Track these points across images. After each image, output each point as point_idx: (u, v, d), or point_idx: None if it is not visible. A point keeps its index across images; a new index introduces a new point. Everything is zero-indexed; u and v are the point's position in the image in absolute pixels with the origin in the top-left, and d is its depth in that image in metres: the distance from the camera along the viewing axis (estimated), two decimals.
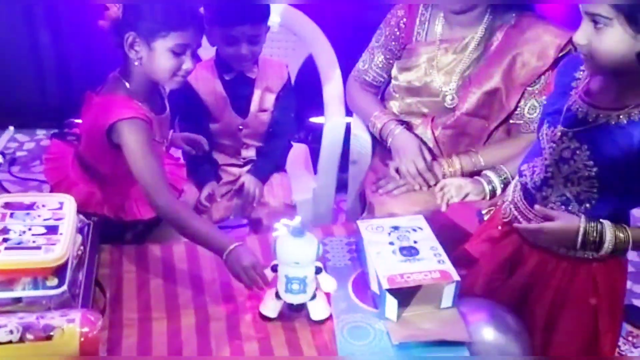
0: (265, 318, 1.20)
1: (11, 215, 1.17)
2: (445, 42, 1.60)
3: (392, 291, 1.13)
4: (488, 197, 1.48)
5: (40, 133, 2.73)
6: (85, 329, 0.99)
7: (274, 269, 1.19)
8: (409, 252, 1.22)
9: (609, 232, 1.15)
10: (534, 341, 1.22)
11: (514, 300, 1.28)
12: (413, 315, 1.16)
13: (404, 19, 1.66)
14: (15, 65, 2.58)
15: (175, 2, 1.27)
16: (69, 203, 1.22)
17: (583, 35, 1.08)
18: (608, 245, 1.16)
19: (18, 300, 1.07)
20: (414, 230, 1.29)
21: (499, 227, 1.34)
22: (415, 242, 1.25)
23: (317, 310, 1.19)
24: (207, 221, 1.33)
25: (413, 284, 1.14)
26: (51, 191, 1.51)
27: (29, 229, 1.14)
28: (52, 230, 1.14)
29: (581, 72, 1.21)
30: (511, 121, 1.60)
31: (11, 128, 2.74)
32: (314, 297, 1.19)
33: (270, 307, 1.20)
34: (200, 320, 1.21)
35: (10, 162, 2.53)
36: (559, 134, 1.18)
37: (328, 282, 1.20)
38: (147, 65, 1.31)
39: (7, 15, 2.50)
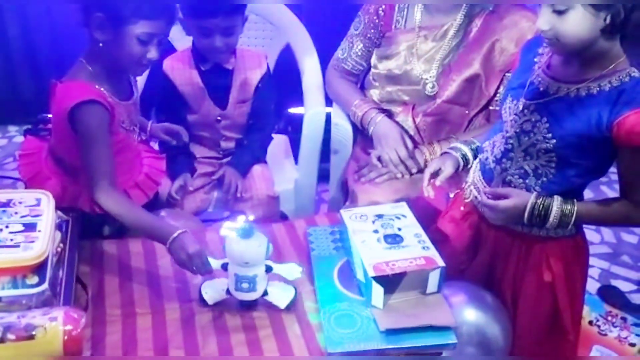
0: (203, 301, 1.19)
1: None
2: (424, 29, 1.60)
3: (378, 279, 1.14)
4: (462, 165, 1.44)
5: (13, 130, 2.67)
6: (69, 327, 0.97)
7: (224, 267, 1.18)
8: (394, 239, 1.23)
9: (555, 206, 1.18)
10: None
11: (482, 280, 1.31)
12: (399, 301, 1.17)
13: (383, 7, 1.65)
14: None
15: None
16: (47, 199, 1.20)
17: (546, 21, 1.09)
18: (553, 219, 1.18)
19: None
20: (398, 217, 1.29)
21: (462, 208, 1.37)
22: (399, 229, 1.26)
23: (279, 299, 1.19)
24: (149, 212, 1.31)
25: (399, 271, 1.15)
26: (25, 187, 1.49)
27: (6, 227, 1.11)
28: (30, 227, 1.12)
29: (544, 48, 1.23)
30: (491, 107, 1.62)
31: None
32: (265, 293, 1.19)
33: (213, 296, 1.20)
34: (185, 314, 1.20)
35: None
36: (521, 106, 1.20)
37: (289, 270, 1.19)
38: (112, 48, 1.28)
39: None
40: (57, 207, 1.28)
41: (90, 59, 1.32)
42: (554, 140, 1.16)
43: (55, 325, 0.97)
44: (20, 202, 1.18)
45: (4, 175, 2.39)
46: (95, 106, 1.28)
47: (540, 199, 1.19)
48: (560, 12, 1.06)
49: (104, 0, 1.24)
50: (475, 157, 1.39)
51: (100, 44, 1.28)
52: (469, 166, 1.41)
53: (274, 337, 1.15)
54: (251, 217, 1.17)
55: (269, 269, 1.18)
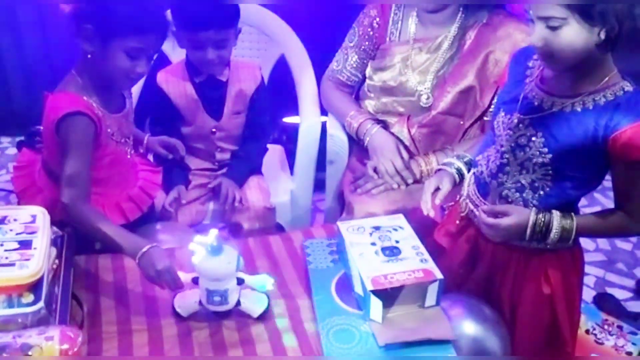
0: (177, 315, 1.19)
1: None
2: (418, 41, 1.61)
3: (376, 292, 1.13)
4: (458, 180, 1.45)
5: (5, 141, 2.65)
6: (65, 346, 0.96)
7: (195, 281, 1.17)
8: (391, 252, 1.22)
9: (556, 221, 1.18)
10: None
11: (479, 293, 1.31)
12: (398, 315, 1.17)
13: (377, 19, 1.66)
14: None
15: (138, 6, 1.24)
16: (42, 215, 1.19)
17: (539, 37, 1.09)
18: (554, 234, 1.19)
19: None
20: (395, 229, 1.29)
21: (457, 222, 1.36)
22: (397, 241, 1.25)
23: (252, 309, 1.19)
24: (118, 226, 1.28)
25: (397, 285, 1.14)
26: (18, 200, 1.47)
27: (1, 245, 1.10)
28: (25, 245, 1.11)
29: (534, 61, 1.23)
30: (485, 118, 1.62)
31: None
32: (238, 303, 1.18)
33: (186, 309, 1.19)
34: (182, 330, 1.19)
35: None
36: (516, 121, 1.20)
37: (262, 282, 1.19)
38: (100, 61, 1.28)
39: None
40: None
41: (81, 70, 1.32)
42: (550, 155, 1.16)
43: (51, 344, 0.96)
44: (15, 219, 1.17)
45: None
46: (81, 117, 1.27)
47: (541, 215, 1.19)
48: (554, 28, 1.07)
49: (93, 12, 1.24)
50: (469, 170, 1.39)
51: (89, 56, 1.28)
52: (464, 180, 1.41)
53: (272, 353, 1.14)
54: (245, 226, 1.16)
55: (240, 282, 1.17)
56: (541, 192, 1.20)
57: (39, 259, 1.08)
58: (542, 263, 1.26)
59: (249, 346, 1.15)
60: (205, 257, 1.14)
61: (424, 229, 1.40)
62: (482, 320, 1.20)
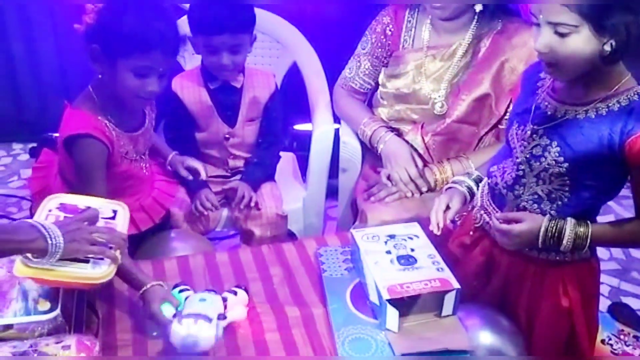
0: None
1: (64, 219, 1.07)
2: (432, 48, 1.60)
3: (392, 302, 1.12)
4: (468, 198, 1.45)
5: (17, 147, 2.66)
6: (82, 354, 0.96)
7: (178, 315, 1.09)
8: (407, 260, 1.22)
9: (569, 228, 1.17)
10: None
11: (494, 306, 1.29)
12: (414, 324, 1.16)
13: (390, 26, 1.65)
14: None
15: (142, 23, 1.23)
16: (123, 212, 1.14)
17: (545, 43, 1.07)
18: (567, 241, 1.17)
19: (9, 327, 1.03)
20: (410, 238, 1.29)
21: (471, 233, 1.34)
22: (412, 250, 1.25)
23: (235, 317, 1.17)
24: (129, 258, 1.24)
25: (413, 294, 1.14)
26: (32, 201, 1.47)
27: None
28: (103, 243, 1.03)
29: (545, 72, 1.21)
30: (500, 126, 1.61)
31: None
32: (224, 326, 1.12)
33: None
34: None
35: None
36: (529, 132, 1.19)
37: (237, 313, 1.17)
38: (110, 80, 1.28)
39: None
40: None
41: (96, 88, 1.32)
42: (567, 164, 1.14)
43: (68, 353, 0.96)
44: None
45: (8, 194, 2.38)
46: (91, 140, 1.27)
47: (553, 221, 1.18)
48: (562, 35, 1.05)
49: (98, 32, 1.23)
50: (478, 187, 1.37)
51: (100, 76, 1.28)
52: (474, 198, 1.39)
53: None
54: (258, 233, 1.15)
55: (222, 317, 1.11)
56: (559, 203, 1.19)
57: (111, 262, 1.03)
58: (559, 275, 1.24)
59: (264, 351, 1.14)
60: (180, 327, 1.04)
61: (438, 238, 1.39)
62: (499, 331, 1.19)
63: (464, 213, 1.43)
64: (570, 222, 1.17)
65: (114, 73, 1.25)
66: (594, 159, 1.12)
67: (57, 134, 1.40)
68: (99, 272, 1.01)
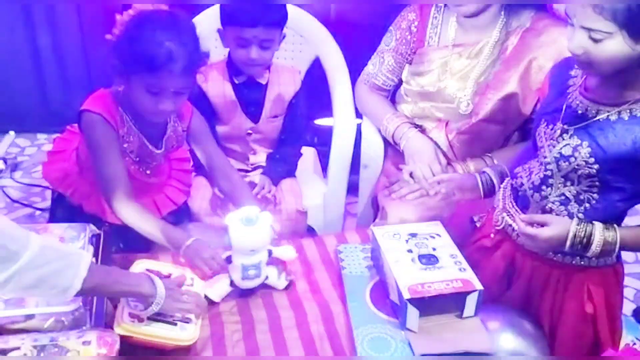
0: (210, 301, 1.23)
1: None
2: (458, 46, 1.57)
3: (413, 301, 1.11)
4: (482, 193, 1.43)
5: (42, 137, 2.69)
6: (103, 350, 0.97)
7: (228, 260, 1.23)
8: (428, 260, 1.20)
9: (598, 233, 1.14)
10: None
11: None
12: (435, 325, 1.14)
13: (415, 23, 1.63)
14: (16, 69, 2.55)
15: (153, 42, 1.22)
16: (199, 280, 1.24)
17: (579, 45, 1.06)
18: (595, 246, 1.14)
19: (30, 317, 1.04)
20: (432, 237, 1.27)
21: (492, 236, 1.32)
22: (434, 249, 1.23)
23: (277, 282, 1.28)
24: (163, 221, 1.34)
25: (434, 294, 1.12)
26: (54, 187, 1.50)
27: None
28: None
29: (576, 70, 1.20)
30: (528, 125, 1.58)
31: (12, 133, 2.71)
32: (265, 277, 1.25)
33: (218, 292, 1.25)
34: (216, 329, 1.18)
35: (12, 168, 2.50)
36: (559, 131, 1.16)
37: (286, 253, 1.28)
38: (128, 95, 1.30)
39: (7, 18, 2.46)
40: (83, 213, 1.38)
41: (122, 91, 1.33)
42: (597, 165, 1.12)
43: (88, 349, 0.97)
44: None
45: (32, 184, 2.42)
46: (95, 116, 1.30)
47: (582, 226, 1.15)
48: (596, 40, 1.03)
49: (116, 48, 1.25)
50: (498, 180, 1.35)
51: (119, 88, 1.31)
52: (495, 190, 1.37)
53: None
54: (277, 228, 1.23)
55: (270, 253, 1.25)
56: (587, 205, 1.16)
57: (197, 324, 1.14)
58: (584, 280, 1.22)
59: (282, 347, 1.14)
60: (240, 228, 1.20)
61: (459, 238, 1.36)
62: (523, 334, 1.17)
63: (483, 215, 1.41)
64: (598, 226, 1.14)
65: (130, 88, 1.28)
66: (626, 161, 1.10)
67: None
68: (185, 334, 1.11)
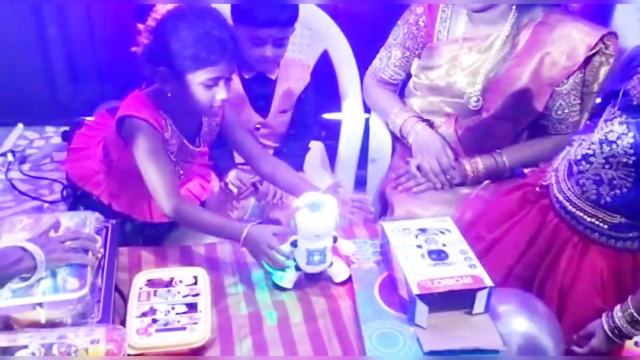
0: (281, 288, 1.25)
1: (154, 293, 1.19)
2: (468, 40, 1.56)
3: (422, 297, 1.10)
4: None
5: (50, 130, 2.69)
6: (111, 346, 0.96)
7: (294, 244, 1.23)
8: (438, 255, 1.19)
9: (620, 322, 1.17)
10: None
11: (537, 265, 1.30)
12: (444, 321, 1.14)
13: (423, 17, 1.61)
14: (24, 62, 2.55)
15: (203, 37, 1.21)
16: (203, 277, 1.23)
17: None
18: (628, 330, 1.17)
19: (39, 305, 1.04)
20: (442, 232, 1.26)
21: (537, 189, 1.33)
22: (444, 245, 1.22)
23: (338, 273, 1.27)
24: (215, 214, 1.35)
25: (444, 290, 1.11)
26: (71, 184, 1.50)
27: (172, 308, 1.15)
28: (192, 308, 1.15)
29: None
30: (542, 122, 1.56)
31: (20, 125, 2.71)
32: (330, 264, 1.25)
33: (288, 278, 1.25)
34: (223, 322, 1.18)
35: (21, 161, 2.50)
36: (612, 115, 1.17)
37: (347, 246, 1.27)
38: (180, 97, 1.28)
39: (16, 11, 2.46)
40: (110, 210, 1.37)
41: (164, 94, 1.31)
42: (634, 157, 1.12)
43: (97, 347, 0.97)
44: (180, 281, 1.22)
45: (40, 176, 2.42)
46: (142, 123, 1.28)
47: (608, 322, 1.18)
48: None
49: (163, 54, 1.23)
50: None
51: (169, 94, 1.28)
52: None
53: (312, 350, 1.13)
54: (285, 223, 1.21)
55: (335, 239, 1.24)
56: (617, 191, 1.17)
57: (206, 323, 1.12)
58: (598, 256, 1.23)
59: (290, 345, 1.14)
60: (306, 213, 1.20)
61: (465, 233, 1.35)
62: (534, 316, 1.15)
63: (536, 168, 1.45)
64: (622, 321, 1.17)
65: (183, 91, 1.26)
66: None
67: (89, 118, 1.41)
68: (196, 336, 1.10)
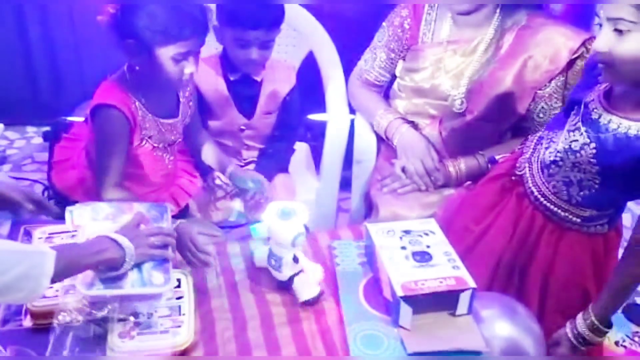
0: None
1: None
2: (453, 43, 1.56)
3: (406, 299, 1.11)
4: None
5: (31, 130, 2.66)
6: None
7: (268, 239, 1.24)
8: (422, 257, 1.20)
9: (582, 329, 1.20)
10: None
11: (514, 260, 1.32)
12: (428, 322, 1.14)
13: (408, 20, 1.62)
14: (5, 61, 2.52)
15: (174, 11, 1.22)
16: (186, 279, 1.22)
17: (604, 42, 1.06)
18: (587, 332, 1.20)
19: (127, 297, 1.08)
20: (426, 234, 1.27)
21: (513, 178, 1.35)
22: (428, 246, 1.23)
23: (301, 292, 1.22)
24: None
25: (428, 291, 1.12)
26: (48, 170, 1.51)
27: (155, 311, 1.13)
28: (175, 311, 1.14)
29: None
30: (521, 123, 1.58)
31: (1, 125, 2.66)
32: (291, 281, 1.22)
33: (261, 259, 1.27)
34: (207, 324, 1.17)
35: (1, 161, 2.47)
36: (574, 124, 1.19)
37: (314, 271, 1.23)
38: (148, 70, 1.28)
39: None
40: (67, 198, 1.38)
41: (132, 70, 1.31)
42: (598, 167, 1.15)
43: None
44: None
45: (22, 177, 2.39)
46: (113, 111, 1.28)
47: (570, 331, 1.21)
48: (620, 32, 1.03)
49: (132, 27, 1.23)
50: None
51: (137, 67, 1.27)
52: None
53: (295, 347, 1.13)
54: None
55: (295, 259, 1.21)
56: (586, 192, 1.20)
57: (190, 325, 1.12)
58: (574, 241, 1.27)
59: (274, 348, 1.14)
60: (274, 217, 1.20)
61: (451, 234, 1.36)
62: (517, 321, 1.16)
63: (507, 155, 1.45)
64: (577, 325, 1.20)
65: (152, 63, 1.26)
66: (628, 172, 1.12)
67: (71, 118, 1.41)
68: (179, 339, 1.09)
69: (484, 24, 1.53)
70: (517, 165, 1.36)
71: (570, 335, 1.21)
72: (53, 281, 0.97)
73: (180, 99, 1.42)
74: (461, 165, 1.60)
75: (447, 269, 1.16)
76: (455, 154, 1.63)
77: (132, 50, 1.25)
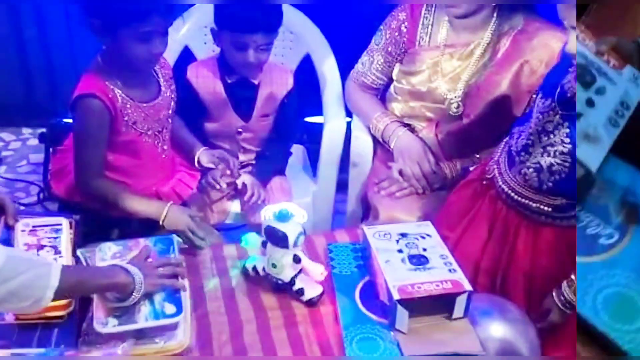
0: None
1: None
2: (450, 47, 1.57)
3: (403, 302, 1.11)
4: None
5: (27, 132, 2.65)
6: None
7: (264, 244, 1.24)
8: (419, 260, 1.20)
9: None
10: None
11: (494, 264, 1.33)
12: (424, 326, 1.14)
13: (406, 23, 1.62)
14: (0, 62, 2.51)
15: None
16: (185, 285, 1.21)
17: (574, 46, 1.08)
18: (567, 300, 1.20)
19: (140, 332, 1.08)
20: (423, 237, 1.27)
21: (484, 182, 1.37)
22: (424, 249, 1.23)
23: (304, 291, 1.22)
24: (134, 195, 1.37)
25: (424, 295, 1.12)
26: (49, 179, 1.51)
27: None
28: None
29: None
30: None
31: None
32: (293, 282, 1.22)
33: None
34: (203, 328, 1.17)
35: None
36: (548, 107, 1.21)
37: (315, 270, 1.23)
38: (116, 50, 1.28)
39: None
40: (108, 216, 1.38)
41: (104, 56, 1.32)
42: (570, 146, 1.17)
43: None
44: None
45: (17, 179, 2.38)
46: (92, 100, 1.28)
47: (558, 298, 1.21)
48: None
49: (95, 6, 1.24)
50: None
51: (104, 46, 1.28)
52: None
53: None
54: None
55: (296, 259, 1.21)
56: (557, 177, 1.22)
57: (186, 329, 1.11)
58: (550, 235, 1.28)
59: (270, 350, 1.14)
60: (271, 220, 1.19)
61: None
62: (510, 322, 1.15)
63: (479, 164, 1.47)
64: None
65: (118, 44, 1.26)
66: None
67: (67, 120, 1.41)
68: (173, 344, 1.08)
69: (481, 27, 1.54)
70: (487, 169, 1.37)
71: (558, 302, 1.22)
72: (59, 296, 0.97)
73: (161, 83, 1.42)
74: (457, 167, 1.61)
75: (443, 272, 1.16)
76: (452, 157, 1.63)
77: (99, 31, 1.26)
